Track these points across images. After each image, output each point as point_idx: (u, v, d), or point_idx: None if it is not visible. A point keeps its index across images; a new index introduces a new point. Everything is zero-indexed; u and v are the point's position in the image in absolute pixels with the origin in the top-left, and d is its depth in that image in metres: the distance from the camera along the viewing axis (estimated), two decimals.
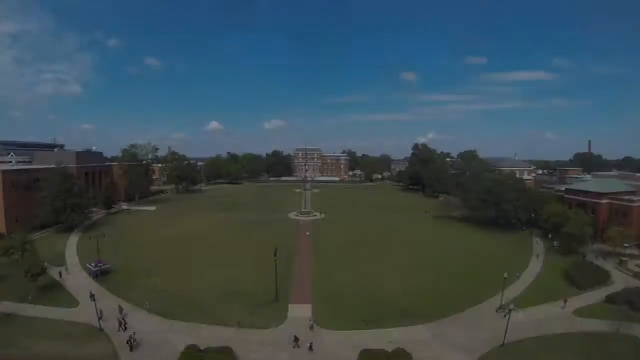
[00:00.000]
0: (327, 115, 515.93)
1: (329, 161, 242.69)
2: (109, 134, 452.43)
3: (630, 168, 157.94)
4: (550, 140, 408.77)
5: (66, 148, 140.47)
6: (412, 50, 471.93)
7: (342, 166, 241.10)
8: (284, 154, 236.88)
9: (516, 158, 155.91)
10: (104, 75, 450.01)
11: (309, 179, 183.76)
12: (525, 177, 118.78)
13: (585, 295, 44.98)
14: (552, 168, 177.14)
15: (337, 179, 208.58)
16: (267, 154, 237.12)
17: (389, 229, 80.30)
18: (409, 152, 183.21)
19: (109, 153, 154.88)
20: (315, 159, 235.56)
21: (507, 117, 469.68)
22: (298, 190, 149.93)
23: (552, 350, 32.97)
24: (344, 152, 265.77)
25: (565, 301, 41.80)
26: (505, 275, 41.78)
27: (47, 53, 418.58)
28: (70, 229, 72.90)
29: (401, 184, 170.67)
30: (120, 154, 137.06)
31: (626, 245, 58.01)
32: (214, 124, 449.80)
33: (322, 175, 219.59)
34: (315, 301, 42.35)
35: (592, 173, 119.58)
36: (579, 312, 40.46)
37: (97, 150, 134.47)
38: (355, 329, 36.13)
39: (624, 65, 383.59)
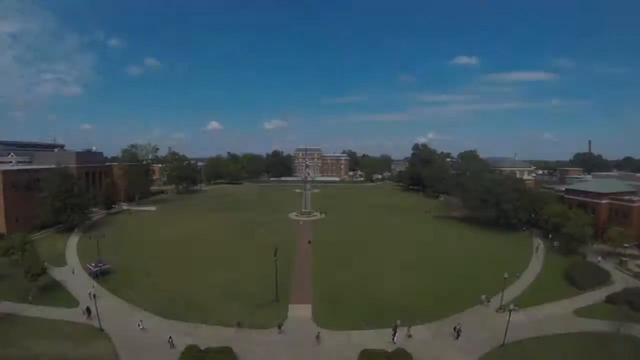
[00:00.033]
0: (327, 115, 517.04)
1: (329, 161, 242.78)
2: (109, 134, 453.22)
3: (630, 168, 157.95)
4: (550, 140, 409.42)
5: (66, 148, 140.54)
6: (412, 50, 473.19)
7: (342, 166, 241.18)
8: (284, 154, 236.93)
9: (516, 158, 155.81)
10: (104, 75, 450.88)
11: (309, 179, 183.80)
12: (525, 177, 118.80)
13: (585, 295, 44.99)
14: (552, 168, 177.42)
15: (337, 179, 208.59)
16: (267, 154, 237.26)
17: (389, 228, 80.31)
18: (409, 152, 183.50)
19: (109, 153, 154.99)
20: (315, 159, 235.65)
21: (507, 117, 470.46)
22: (298, 190, 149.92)
23: (552, 350, 32.98)
24: (344, 152, 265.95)
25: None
26: (505, 275, 41.75)
27: (47, 53, 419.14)
28: (70, 229, 72.92)
29: (401, 184, 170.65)
30: (120, 154, 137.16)
31: (626, 245, 57.99)
32: (214, 124, 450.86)
33: (322, 175, 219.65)
34: (315, 301, 42.37)
35: (592, 173, 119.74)
36: (579, 312, 40.45)
37: (97, 150, 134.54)
38: (355, 329, 36.14)
39: (624, 65, 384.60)
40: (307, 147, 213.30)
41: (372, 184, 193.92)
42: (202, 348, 31.17)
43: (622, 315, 36.73)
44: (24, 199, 70.22)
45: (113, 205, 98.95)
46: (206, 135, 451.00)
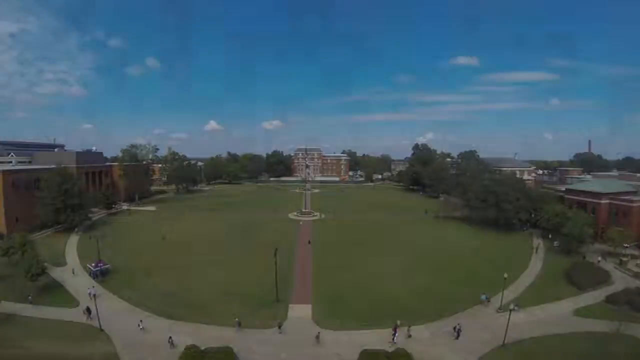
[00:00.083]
0: (327, 115, 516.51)
1: (329, 161, 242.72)
2: (109, 134, 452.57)
3: (630, 168, 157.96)
4: (550, 140, 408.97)
5: (66, 148, 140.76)
6: (412, 50, 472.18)
7: (342, 166, 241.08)
8: (284, 154, 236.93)
9: (516, 158, 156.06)
10: (104, 75, 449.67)
11: (309, 178, 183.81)
12: (525, 177, 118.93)
13: (585, 295, 45.02)
14: (552, 168, 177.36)
15: (337, 178, 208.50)
16: (267, 154, 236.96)
17: (389, 229, 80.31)
18: (409, 152, 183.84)
19: (109, 153, 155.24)
20: (315, 159, 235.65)
21: (507, 117, 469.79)
22: (298, 190, 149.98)
23: (552, 350, 32.98)
24: (344, 152, 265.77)
25: None
26: (505, 276, 41.77)
27: (47, 53, 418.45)
28: (70, 229, 72.88)
29: (401, 184, 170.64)
30: (120, 154, 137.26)
31: (626, 245, 58.02)
32: (214, 124, 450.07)
33: (322, 175, 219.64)
34: (315, 301, 42.39)
35: (592, 173, 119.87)
36: (579, 312, 40.47)
37: (97, 150, 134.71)
38: (355, 329, 36.13)
39: (624, 66, 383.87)
40: (307, 147, 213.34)
41: (372, 184, 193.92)
42: (202, 348, 31.16)
43: (622, 315, 36.74)
44: (24, 199, 70.16)
45: (113, 205, 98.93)
46: (206, 135, 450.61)
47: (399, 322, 35.38)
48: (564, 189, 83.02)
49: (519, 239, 71.95)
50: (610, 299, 42.72)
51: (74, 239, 68.27)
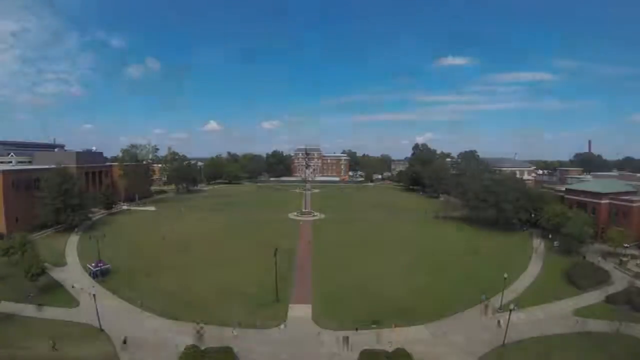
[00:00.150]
0: (327, 115, 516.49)
1: (329, 161, 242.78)
2: (109, 134, 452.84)
3: (630, 168, 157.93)
4: (550, 140, 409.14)
5: (66, 148, 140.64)
6: (413, 50, 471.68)
7: (342, 166, 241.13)
8: (284, 154, 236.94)
9: (516, 158, 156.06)
10: (104, 75, 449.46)
11: (309, 179, 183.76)
12: (525, 177, 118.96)
13: (585, 295, 45.01)
14: (552, 168, 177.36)
15: (337, 179, 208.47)
16: (267, 154, 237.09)
17: (388, 229, 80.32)
18: (409, 152, 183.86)
19: (109, 153, 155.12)
20: (315, 159, 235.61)
21: (507, 117, 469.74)
22: (298, 190, 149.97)
23: (552, 350, 32.98)
24: (344, 152, 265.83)
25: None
26: (505, 276, 41.79)
27: (48, 53, 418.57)
28: (70, 229, 72.90)
29: (401, 184, 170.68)
30: (120, 154, 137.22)
31: (626, 245, 58.00)
32: (214, 124, 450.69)
33: (322, 175, 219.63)
34: (315, 301, 42.38)
35: (592, 173, 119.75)
36: (579, 312, 40.45)
37: (97, 150, 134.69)
38: (355, 329, 36.08)
39: (624, 66, 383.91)
40: (307, 147, 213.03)
41: (372, 184, 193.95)
42: (202, 348, 31.16)
43: (622, 315, 36.74)
44: (24, 199, 70.18)
45: (113, 205, 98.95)
46: (206, 136, 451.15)
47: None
48: (564, 189, 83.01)
49: (518, 239, 71.94)
50: (610, 299, 42.73)
51: (74, 239, 68.27)
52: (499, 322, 36.95)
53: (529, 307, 41.29)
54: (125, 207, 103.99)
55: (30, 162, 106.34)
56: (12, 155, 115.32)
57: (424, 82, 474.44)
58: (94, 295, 37.63)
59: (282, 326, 36.92)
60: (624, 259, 56.01)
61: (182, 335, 34.65)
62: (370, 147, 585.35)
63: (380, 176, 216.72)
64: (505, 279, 41.47)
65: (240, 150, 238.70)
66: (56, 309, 40.05)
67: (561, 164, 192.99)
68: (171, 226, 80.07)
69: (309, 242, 66.41)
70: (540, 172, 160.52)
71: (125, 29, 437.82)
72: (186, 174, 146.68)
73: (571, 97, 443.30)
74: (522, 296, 44.45)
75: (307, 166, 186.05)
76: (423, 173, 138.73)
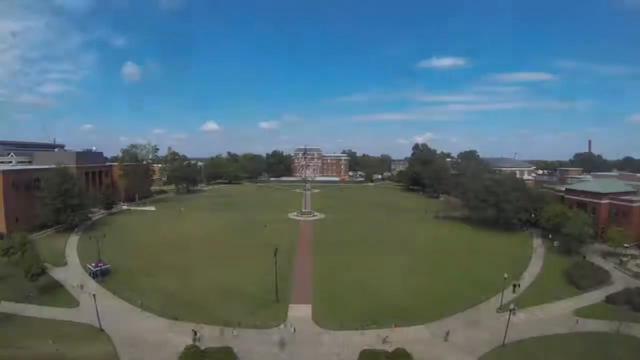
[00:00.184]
0: (327, 115, 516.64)
1: (329, 161, 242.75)
2: (109, 134, 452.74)
3: (630, 168, 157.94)
4: (550, 140, 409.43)
5: (66, 148, 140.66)
6: (413, 50, 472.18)
7: (342, 166, 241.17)
8: (284, 154, 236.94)
9: (516, 158, 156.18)
10: (104, 75, 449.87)
11: (309, 178, 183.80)
12: (525, 177, 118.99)
13: (585, 295, 45.01)
14: (552, 168, 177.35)
15: (337, 179, 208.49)
16: (267, 154, 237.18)
17: (389, 229, 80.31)
18: (409, 152, 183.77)
19: (109, 153, 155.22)
20: (315, 159, 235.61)
21: (507, 117, 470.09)
22: (298, 190, 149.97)
23: (552, 350, 32.99)
24: (344, 152, 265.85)
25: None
26: (505, 276, 41.78)
27: (48, 53, 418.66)
28: (70, 229, 72.91)
29: (401, 184, 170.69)
30: (120, 154, 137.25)
31: (626, 245, 58.01)
32: (214, 124, 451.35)
33: (322, 175, 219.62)
34: (315, 301, 42.37)
35: (592, 173, 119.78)
36: (579, 312, 40.45)
37: (97, 150, 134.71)
38: (355, 329, 36.10)
39: (624, 66, 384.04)
40: (307, 147, 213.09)
41: (372, 184, 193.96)
42: (202, 348, 31.16)
43: (622, 315, 36.73)
44: (24, 199, 70.17)
45: (113, 205, 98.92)
46: (206, 136, 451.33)
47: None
48: (564, 189, 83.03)
49: (518, 239, 71.94)
50: (610, 299, 42.72)
51: (74, 239, 68.27)
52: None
53: (529, 307, 41.28)
54: (125, 207, 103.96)
55: (30, 162, 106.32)
56: (12, 155, 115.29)
57: (424, 82, 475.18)
58: (94, 295, 37.64)
59: (282, 326, 36.87)
60: (624, 259, 56.01)
61: (181, 335, 34.65)
62: (370, 147, 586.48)
63: (380, 176, 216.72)
64: (505, 279, 41.46)
65: (240, 150, 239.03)
66: (56, 309, 40.04)
67: (561, 164, 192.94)
68: (171, 226, 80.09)
69: (309, 242, 66.24)
70: (540, 172, 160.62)
71: (125, 29, 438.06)
72: (186, 174, 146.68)
73: (571, 97, 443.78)
74: (522, 296, 44.43)
75: (307, 166, 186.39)
76: (423, 173, 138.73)
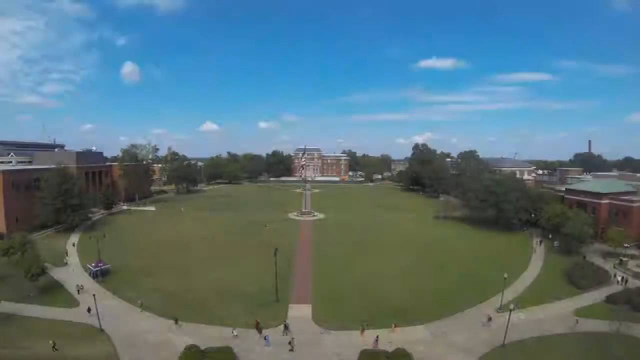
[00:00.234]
0: (327, 115, 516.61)
1: (329, 161, 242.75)
2: (109, 134, 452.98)
3: (630, 168, 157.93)
4: (550, 140, 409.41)
5: (66, 148, 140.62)
6: (413, 50, 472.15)
7: (342, 166, 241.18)
8: (284, 154, 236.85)
9: (516, 158, 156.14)
10: (105, 76, 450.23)
11: (309, 178, 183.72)
12: (525, 177, 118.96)
13: (585, 295, 45.02)
14: (552, 168, 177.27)
15: (337, 179, 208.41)
16: (267, 154, 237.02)
17: (389, 229, 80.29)
18: (409, 152, 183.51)
19: (109, 153, 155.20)
20: (315, 159, 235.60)
21: (507, 117, 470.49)
22: (298, 190, 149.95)
23: (552, 350, 33.00)
24: (344, 152, 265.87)
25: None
26: (505, 276, 41.77)
27: (48, 53, 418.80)
28: (70, 229, 72.92)
29: (401, 184, 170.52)
30: (120, 154, 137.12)
31: (626, 245, 58.01)
32: (214, 124, 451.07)
33: (322, 175, 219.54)
34: (315, 301, 42.37)
35: (592, 173, 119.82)
36: (579, 312, 40.46)
37: (97, 150, 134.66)
38: (355, 329, 36.09)
39: (624, 66, 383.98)
40: (307, 147, 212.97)
41: (372, 184, 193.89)
42: (202, 348, 31.14)
43: (622, 315, 36.71)
44: (24, 199, 70.13)
45: (113, 205, 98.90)
46: (206, 136, 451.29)
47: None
48: (564, 189, 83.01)
49: (518, 239, 71.97)
50: (610, 299, 42.72)
51: (74, 239, 68.27)
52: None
53: (529, 307, 41.29)
54: (125, 207, 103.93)
55: (30, 162, 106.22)
56: (12, 155, 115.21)
57: (424, 82, 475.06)
58: (94, 295, 37.66)
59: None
60: (624, 259, 55.99)
61: (182, 335, 34.63)
62: (370, 147, 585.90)
63: (380, 176, 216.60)
64: (505, 279, 41.46)
65: (240, 150, 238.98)
66: (56, 309, 40.04)
67: (561, 164, 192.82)
68: (171, 226, 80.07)
69: (309, 242, 66.22)
70: (540, 172, 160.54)
71: (125, 29, 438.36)
72: (186, 174, 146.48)
73: (571, 97, 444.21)
74: (522, 296, 44.44)
75: (307, 166, 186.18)
76: (423, 173, 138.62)
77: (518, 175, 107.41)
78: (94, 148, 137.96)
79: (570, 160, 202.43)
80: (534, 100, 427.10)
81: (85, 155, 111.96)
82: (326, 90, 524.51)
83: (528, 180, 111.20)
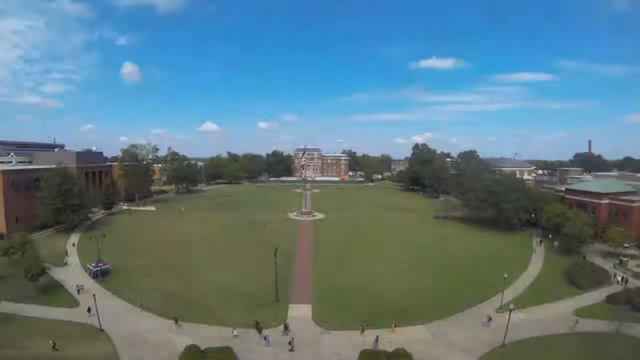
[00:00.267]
0: (327, 115, 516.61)
1: (329, 161, 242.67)
2: (109, 134, 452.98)
3: (630, 168, 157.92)
4: (550, 140, 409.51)
5: (66, 148, 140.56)
6: (413, 50, 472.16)
7: (342, 166, 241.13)
8: (284, 154, 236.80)
9: (516, 158, 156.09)
10: (105, 76, 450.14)
11: (309, 178, 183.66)
12: (525, 177, 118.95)
13: (585, 295, 45.01)
14: (552, 168, 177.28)
15: (337, 179, 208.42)
16: (267, 154, 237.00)
17: (389, 229, 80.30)
18: (409, 152, 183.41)
19: (109, 153, 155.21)
20: (315, 159, 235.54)
21: (507, 117, 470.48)
22: (298, 190, 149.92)
23: (552, 350, 32.99)
24: (344, 152, 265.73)
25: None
26: (505, 276, 41.79)
27: (48, 53, 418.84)
28: (70, 229, 72.90)
29: (401, 184, 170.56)
30: (120, 154, 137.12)
31: (626, 245, 58.00)
32: (214, 125, 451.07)
33: (322, 175, 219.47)
34: (315, 301, 42.36)
35: (592, 173, 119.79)
36: (579, 312, 40.46)
37: (97, 150, 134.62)
38: (355, 329, 36.07)
39: (624, 66, 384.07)
40: (307, 147, 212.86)
41: (372, 184, 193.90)
42: (202, 348, 31.13)
43: (622, 315, 36.72)
44: (24, 199, 70.10)
45: (113, 205, 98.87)
46: (206, 136, 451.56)
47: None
48: (564, 189, 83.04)
49: (518, 239, 71.96)
50: (610, 299, 42.72)
51: (74, 239, 68.26)
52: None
53: (529, 307, 41.29)
54: (125, 207, 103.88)
55: (30, 162, 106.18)
56: (12, 155, 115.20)
57: (424, 82, 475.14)
58: (94, 295, 37.65)
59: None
60: (624, 259, 56.00)
61: (182, 335, 34.63)
62: (370, 147, 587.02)
63: (380, 176, 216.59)
64: (505, 279, 41.46)
65: (240, 150, 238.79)
66: (56, 309, 40.03)
67: (561, 164, 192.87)
68: (171, 226, 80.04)
69: (309, 242, 66.21)
70: (540, 172, 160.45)
71: (125, 29, 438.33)
72: (186, 174, 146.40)
73: (571, 97, 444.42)
74: (522, 296, 44.44)
75: (307, 166, 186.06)
76: (423, 173, 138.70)
77: (518, 175, 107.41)
78: (94, 148, 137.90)
79: (570, 160, 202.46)
80: (534, 100, 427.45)
81: (85, 155, 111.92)
82: (326, 90, 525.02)
83: (528, 180, 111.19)
